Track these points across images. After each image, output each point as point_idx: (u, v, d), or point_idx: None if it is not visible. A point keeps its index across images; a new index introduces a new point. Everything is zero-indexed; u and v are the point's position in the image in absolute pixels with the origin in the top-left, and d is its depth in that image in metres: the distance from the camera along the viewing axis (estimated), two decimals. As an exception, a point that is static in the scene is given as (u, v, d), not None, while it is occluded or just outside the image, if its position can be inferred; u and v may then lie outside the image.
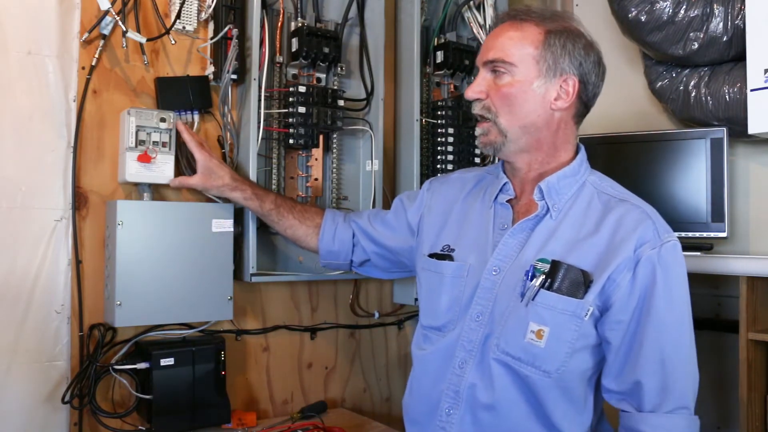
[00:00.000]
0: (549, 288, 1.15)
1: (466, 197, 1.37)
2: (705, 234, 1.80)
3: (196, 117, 1.71)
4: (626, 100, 2.11)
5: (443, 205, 1.40)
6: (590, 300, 1.14)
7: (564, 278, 1.14)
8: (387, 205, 1.96)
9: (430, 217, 1.41)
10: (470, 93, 1.24)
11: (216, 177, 1.54)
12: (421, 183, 1.94)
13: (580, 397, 1.18)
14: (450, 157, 1.98)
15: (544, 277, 1.15)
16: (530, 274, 1.16)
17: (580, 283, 1.14)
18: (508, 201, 1.28)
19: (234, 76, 1.66)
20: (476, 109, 1.24)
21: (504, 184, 1.29)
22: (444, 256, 1.32)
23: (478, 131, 1.26)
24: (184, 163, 1.62)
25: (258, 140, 1.68)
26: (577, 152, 1.28)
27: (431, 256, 1.34)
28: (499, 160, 1.33)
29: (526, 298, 1.16)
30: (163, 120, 1.56)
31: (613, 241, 1.16)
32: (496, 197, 1.29)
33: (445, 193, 1.42)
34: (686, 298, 1.17)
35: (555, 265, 1.16)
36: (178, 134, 1.58)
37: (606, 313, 1.15)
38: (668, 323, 1.13)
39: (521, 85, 1.20)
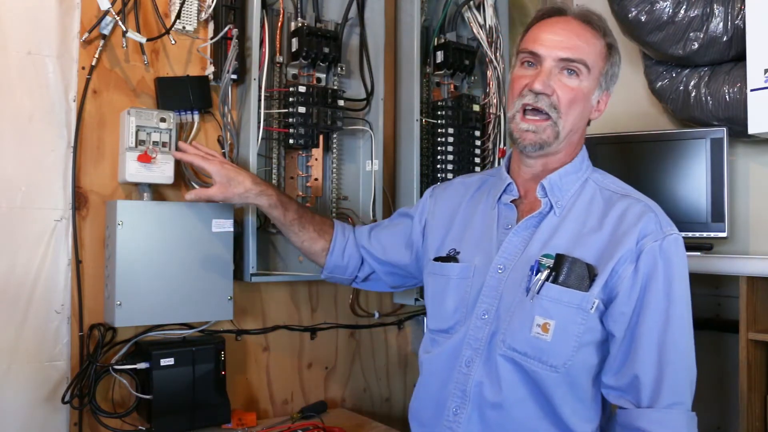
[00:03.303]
0: (554, 281, 1.15)
1: (469, 201, 1.38)
2: (705, 234, 1.80)
3: (196, 117, 1.71)
4: (626, 100, 2.11)
5: (447, 209, 1.40)
6: (595, 293, 1.14)
7: (569, 271, 1.14)
8: (387, 205, 1.97)
9: (434, 222, 1.42)
10: (542, 86, 1.17)
11: (236, 183, 1.43)
12: (422, 183, 1.95)
13: (588, 395, 1.18)
14: (450, 157, 1.98)
15: (548, 270, 1.16)
16: (535, 269, 1.17)
17: (584, 275, 1.14)
18: (512, 201, 1.28)
19: (234, 76, 1.66)
20: (541, 103, 1.18)
21: (508, 185, 1.29)
22: (449, 258, 1.32)
23: (527, 126, 1.19)
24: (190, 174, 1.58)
25: (258, 140, 1.68)
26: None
27: (437, 259, 1.35)
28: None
29: (531, 292, 1.16)
30: (163, 120, 1.56)
31: (615, 234, 1.16)
32: (499, 198, 1.30)
33: (448, 199, 1.42)
34: (686, 294, 1.16)
35: (559, 258, 1.16)
36: (178, 133, 1.57)
37: (611, 305, 1.15)
38: (667, 317, 1.13)
39: (587, 92, 1.21)
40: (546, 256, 1.17)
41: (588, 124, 1.30)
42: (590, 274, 1.14)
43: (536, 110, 1.19)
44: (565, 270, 1.15)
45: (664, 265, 1.14)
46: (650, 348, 1.12)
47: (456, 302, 1.27)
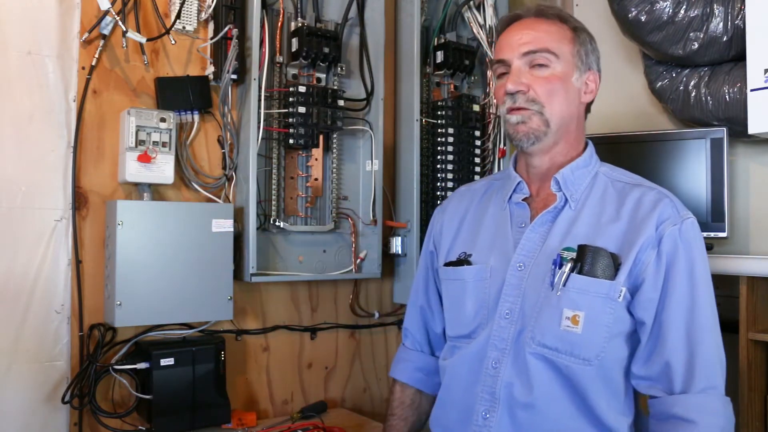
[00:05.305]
0: (579, 272, 1.14)
1: (477, 205, 1.36)
2: (705, 234, 1.79)
3: (196, 117, 1.71)
4: (626, 100, 2.11)
5: (455, 216, 1.39)
6: (621, 281, 1.13)
7: (593, 261, 1.14)
8: (387, 205, 1.97)
9: (444, 230, 1.40)
10: (513, 85, 1.19)
11: None
12: (421, 183, 1.96)
13: (622, 389, 1.16)
14: (450, 157, 1.98)
15: (572, 262, 1.15)
16: (558, 262, 1.16)
17: (609, 264, 1.14)
18: (523, 200, 1.27)
19: (234, 76, 1.67)
20: (519, 102, 1.20)
21: (518, 184, 1.28)
22: (461, 261, 1.30)
23: (515, 118, 1.21)
24: None
25: (258, 140, 1.68)
26: (585, 146, 1.30)
27: (448, 264, 1.32)
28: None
29: (557, 285, 1.15)
30: (163, 120, 1.56)
31: (634, 221, 1.16)
32: (510, 197, 1.29)
33: (454, 207, 1.41)
34: (707, 276, 1.16)
35: (582, 249, 1.15)
36: (178, 133, 1.56)
37: (637, 293, 1.14)
38: (692, 300, 1.12)
39: (564, 77, 1.21)
40: (567, 249, 1.17)
41: (588, 110, 1.29)
42: (614, 262, 1.14)
43: (519, 109, 1.21)
44: (590, 260, 1.14)
45: (685, 249, 1.14)
46: (678, 333, 1.11)
47: (476, 305, 1.24)
